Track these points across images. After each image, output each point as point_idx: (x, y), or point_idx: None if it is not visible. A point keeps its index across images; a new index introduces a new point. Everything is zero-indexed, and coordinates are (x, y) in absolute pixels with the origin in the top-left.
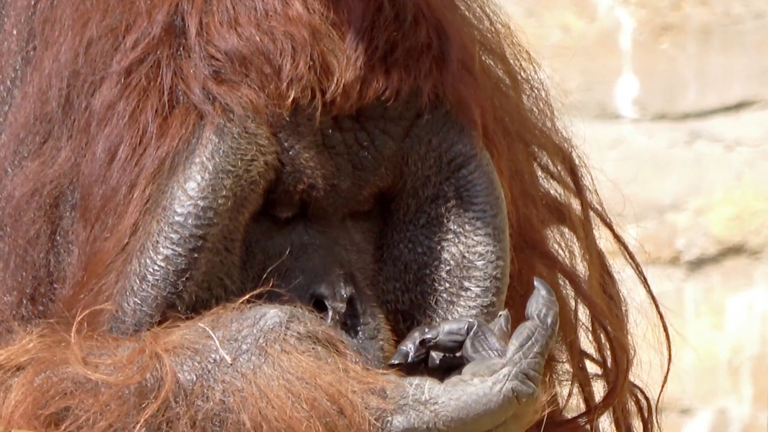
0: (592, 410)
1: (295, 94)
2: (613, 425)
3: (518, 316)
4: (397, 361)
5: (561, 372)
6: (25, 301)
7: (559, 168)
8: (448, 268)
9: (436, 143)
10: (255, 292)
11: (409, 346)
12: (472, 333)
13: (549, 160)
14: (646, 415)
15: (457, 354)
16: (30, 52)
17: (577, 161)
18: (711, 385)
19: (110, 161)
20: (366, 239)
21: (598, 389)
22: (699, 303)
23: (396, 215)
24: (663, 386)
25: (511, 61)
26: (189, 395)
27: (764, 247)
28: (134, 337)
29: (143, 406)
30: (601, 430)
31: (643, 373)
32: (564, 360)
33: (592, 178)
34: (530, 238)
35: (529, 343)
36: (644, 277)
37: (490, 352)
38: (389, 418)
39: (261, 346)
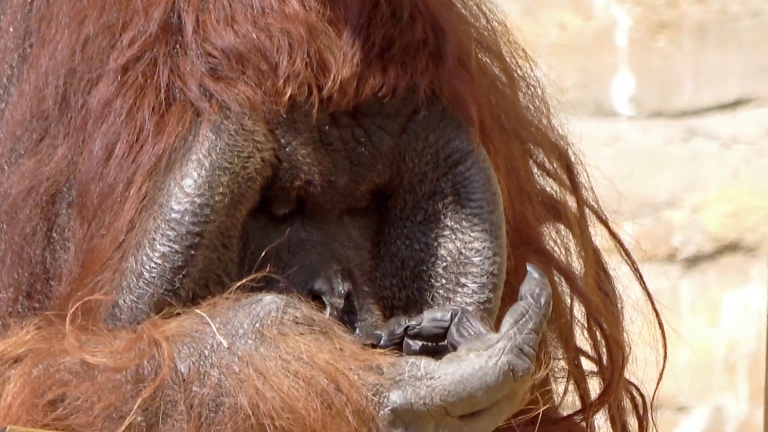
0: (588, 407)
1: (292, 91)
2: (608, 422)
3: None
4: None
5: (556, 369)
6: (21, 298)
7: (555, 165)
8: (444, 264)
9: (433, 139)
10: (252, 277)
11: (384, 332)
12: (456, 319)
13: (545, 158)
14: (641, 412)
15: (441, 344)
16: (26, 50)
17: (573, 158)
18: (707, 382)
19: (107, 159)
20: (363, 235)
21: (594, 386)
22: (695, 300)
23: (393, 211)
24: (658, 383)
25: (508, 59)
26: (186, 380)
27: (760, 245)
28: (131, 328)
29: (140, 389)
30: (596, 427)
31: (639, 370)
32: (560, 357)
33: (588, 176)
34: (526, 235)
35: (523, 319)
36: (640, 274)
37: (476, 336)
38: (386, 394)
39: (258, 330)
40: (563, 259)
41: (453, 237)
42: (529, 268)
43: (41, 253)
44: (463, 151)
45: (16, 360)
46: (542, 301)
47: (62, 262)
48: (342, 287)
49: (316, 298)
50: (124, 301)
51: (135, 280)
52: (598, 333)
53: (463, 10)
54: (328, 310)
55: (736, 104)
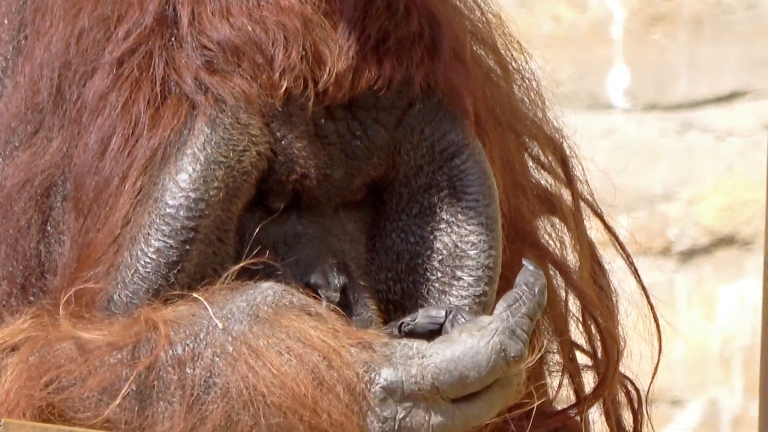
0: (583, 401)
1: (288, 84)
2: (603, 416)
3: None
4: None
5: (551, 363)
6: (15, 291)
7: (550, 158)
8: (440, 257)
9: (429, 132)
10: (250, 261)
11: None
12: (451, 315)
13: (540, 151)
14: (636, 406)
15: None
16: (21, 42)
17: (568, 151)
18: (702, 376)
19: (103, 152)
20: (359, 229)
21: (589, 380)
22: (690, 294)
23: (388, 205)
24: (653, 377)
25: (503, 52)
26: (180, 362)
27: (755, 238)
28: (128, 314)
29: (135, 365)
30: (591, 421)
31: (634, 364)
32: (554, 351)
33: (583, 169)
34: (521, 228)
35: (516, 304)
36: (635, 268)
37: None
38: (377, 371)
39: (253, 311)
40: (558, 252)
41: (449, 230)
42: (524, 261)
43: (36, 247)
44: (458, 144)
45: (13, 348)
46: (536, 289)
47: (57, 256)
48: (338, 281)
49: (312, 291)
50: (119, 296)
51: (130, 275)
52: (593, 327)
53: (458, 2)
54: (324, 303)
55: (731, 97)
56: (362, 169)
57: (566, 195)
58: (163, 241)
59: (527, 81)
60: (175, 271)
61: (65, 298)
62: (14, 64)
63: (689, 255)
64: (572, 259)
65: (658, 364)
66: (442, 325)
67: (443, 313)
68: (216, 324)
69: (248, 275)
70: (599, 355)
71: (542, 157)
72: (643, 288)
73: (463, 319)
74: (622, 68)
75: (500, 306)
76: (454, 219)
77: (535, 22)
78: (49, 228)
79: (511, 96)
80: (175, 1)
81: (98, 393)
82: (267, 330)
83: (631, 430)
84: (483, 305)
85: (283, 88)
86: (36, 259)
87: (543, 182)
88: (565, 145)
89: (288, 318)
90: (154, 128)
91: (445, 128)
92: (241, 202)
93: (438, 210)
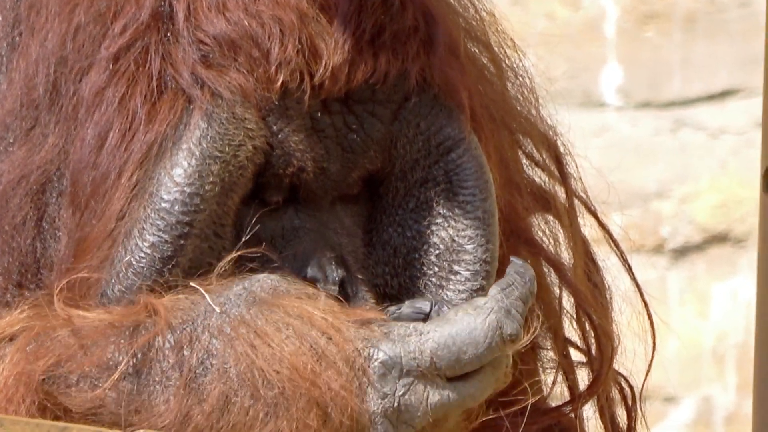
0: (577, 398)
1: (284, 78)
2: (597, 413)
3: None
4: None
5: (546, 360)
6: (11, 287)
7: (544, 156)
8: (437, 252)
9: (425, 127)
10: (247, 251)
11: None
12: (436, 307)
13: (534, 148)
14: (630, 403)
15: None
16: (16, 38)
17: (561, 149)
18: (695, 373)
19: (99, 147)
20: (356, 223)
21: (583, 377)
22: (683, 291)
23: (385, 199)
24: (647, 374)
25: (496, 49)
26: (178, 346)
27: (749, 235)
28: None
29: (132, 342)
30: (585, 418)
31: (628, 361)
32: (548, 348)
33: (576, 166)
34: (515, 225)
35: (509, 288)
36: (629, 265)
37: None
38: (376, 346)
39: (250, 297)
40: (552, 249)
41: (445, 224)
42: (512, 258)
43: (31, 243)
44: (454, 138)
45: (11, 338)
46: (527, 277)
47: (53, 252)
48: (336, 274)
49: (310, 285)
50: (112, 290)
51: (124, 269)
52: (587, 324)
53: (452, 0)
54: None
55: (724, 95)
56: (359, 162)
57: (560, 192)
58: (158, 236)
59: (521, 78)
60: (170, 266)
61: (59, 287)
62: (8, 60)
63: (682, 252)
64: (566, 256)
65: (651, 361)
66: (427, 316)
67: (428, 304)
68: (213, 308)
69: (246, 269)
70: (593, 352)
71: (536, 155)
72: (637, 285)
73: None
74: (615, 66)
75: (494, 289)
76: (450, 213)
77: (529, 20)
78: (44, 224)
79: (505, 93)
80: None
81: (95, 372)
82: (265, 310)
83: (625, 427)
84: None
85: (280, 81)
86: (32, 255)
87: (537, 179)
88: (558, 142)
89: (286, 299)
90: (150, 123)
91: (441, 122)
92: (237, 197)
93: (434, 204)
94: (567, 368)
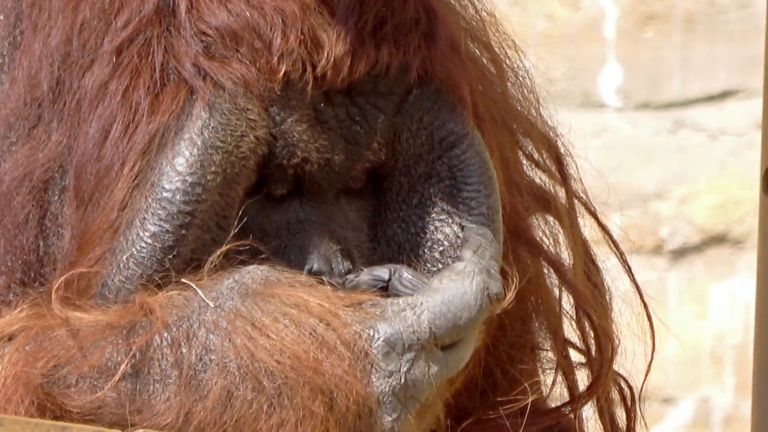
0: (576, 399)
1: (286, 68)
2: (596, 414)
3: None
4: None
5: (545, 361)
6: (13, 286)
7: (544, 156)
8: (441, 248)
9: (428, 121)
10: (237, 243)
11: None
12: (396, 274)
13: (534, 149)
14: (629, 404)
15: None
16: (17, 37)
17: (562, 150)
18: (694, 374)
19: (103, 140)
20: (360, 217)
21: (582, 378)
22: (682, 292)
23: (389, 194)
24: (646, 375)
25: (496, 49)
26: (175, 342)
27: (747, 237)
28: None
29: (130, 343)
30: (584, 419)
31: (627, 362)
32: (548, 348)
33: (576, 167)
34: (515, 225)
35: (480, 249)
36: (628, 266)
37: (418, 285)
38: (375, 326)
39: (242, 289)
40: (552, 250)
41: (450, 221)
42: (464, 224)
43: (34, 241)
44: (458, 133)
45: (10, 337)
46: (489, 236)
47: (56, 250)
48: (341, 267)
49: (315, 278)
50: (113, 280)
51: (125, 259)
52: (586, 324)
53: (452, 0)
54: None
55: (724, 96)
56: (363, 154)
57: (560, 193)
58: (159, 226)
59: (521, 79)
60: (171, 256)
61: (58, 284)
62: (11, 59)
63: (681, 253)
64: (566, 256)
65: (650, 362)
66: (388, 282)
67: (387, 271)
68: (207, 303)
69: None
70: (593, 352)
71: (536, 155)
72: (637, 286)
73: (407, 275)
74: (614, 67)
75: (467, 252)
76: (455, 210)
77: (529, 21)
78: (47, 222)
79: (506, 94)
80: None
81: (95, 374)
82: (260, 301)
83: (625, 427)
84: None
85: (282, 72)
86: (34, 254)
87: (537, 180)
88: (558, 143)
89: (280, 288)
90: (153, 114)
91: (443, 117)
92: (240, 188)
93: (438, 200)
94: (566, 369)
